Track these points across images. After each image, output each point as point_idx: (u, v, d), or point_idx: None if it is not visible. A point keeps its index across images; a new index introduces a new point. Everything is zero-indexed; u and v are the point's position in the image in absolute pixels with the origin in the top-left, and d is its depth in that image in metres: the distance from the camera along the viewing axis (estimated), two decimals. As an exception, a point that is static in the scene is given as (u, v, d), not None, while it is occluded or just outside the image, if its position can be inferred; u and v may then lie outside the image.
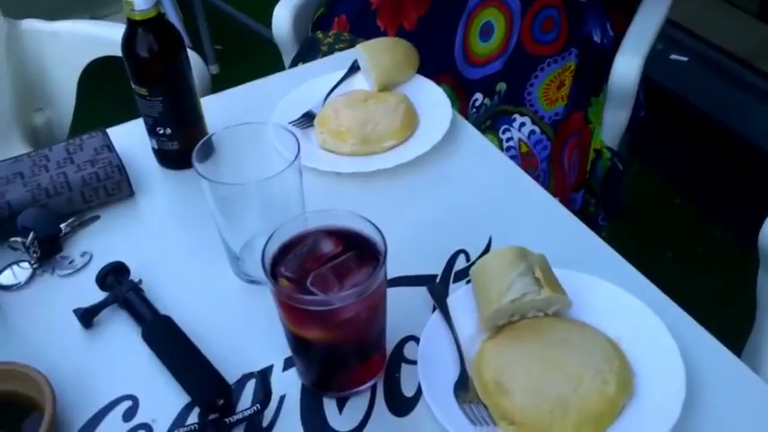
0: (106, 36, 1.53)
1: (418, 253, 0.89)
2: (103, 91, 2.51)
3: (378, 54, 1.11)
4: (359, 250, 0.72)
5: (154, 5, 0.92)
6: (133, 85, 0.97)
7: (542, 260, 0.79)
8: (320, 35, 1.50)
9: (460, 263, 0.89)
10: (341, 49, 1.44)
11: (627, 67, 1.34)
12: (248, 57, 2.78)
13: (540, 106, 1.38)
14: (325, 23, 1.56)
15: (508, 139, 1.34)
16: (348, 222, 0.74)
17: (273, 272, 0.71)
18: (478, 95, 1.40)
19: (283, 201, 0.84)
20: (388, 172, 1.01)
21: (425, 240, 0.92)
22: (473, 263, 0.88)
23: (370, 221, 0.72)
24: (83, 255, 0.92)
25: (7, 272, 0.90)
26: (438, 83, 1.15)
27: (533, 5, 1.40)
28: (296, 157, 0.81)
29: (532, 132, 1.35)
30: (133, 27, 0.93)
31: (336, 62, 1.22)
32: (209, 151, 0.84)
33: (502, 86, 1.40)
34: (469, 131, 1.09)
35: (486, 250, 0.90)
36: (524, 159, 1.31)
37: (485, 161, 1.05)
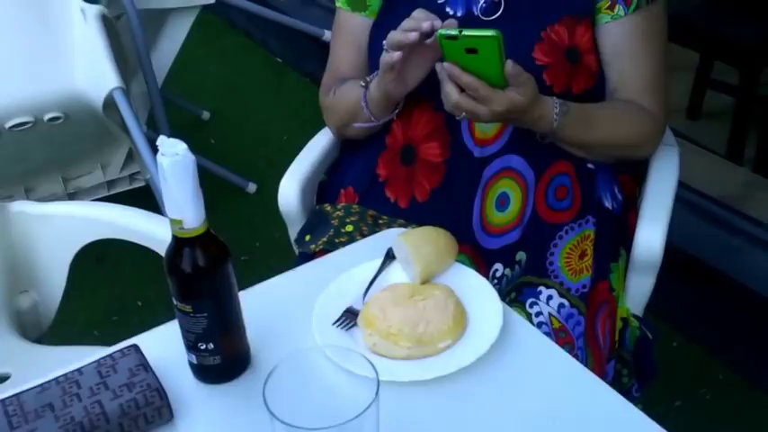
0: (101, 218, 1.47)
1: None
2: (90, 270, 2.47)
3: (421, 246, 1.07)
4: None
5: (204, 221, 0.86)
6: (175, 302, 0.90)
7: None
8: (329, 208, 1.46)
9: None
10: (352, 222, 1.40)
11: (651, 236, 1.32)
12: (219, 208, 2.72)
13: (564, 277, 1.35)
14: (330, 195, 1.52)
15: (537, 314, 1.30)
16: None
17: None
18: (498, 266, 1.36)
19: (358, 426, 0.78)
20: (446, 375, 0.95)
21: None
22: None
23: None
24: (129, 502, 0.82)
25: None
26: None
27: (546, 174, 1.39)
28: (376, 394, 0.76)
29: (562, 306, 1.31)
30: (180, 244, 0.86)
31: (365, 249, 1.18)
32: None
33: (522, 256, 1.37)
34: (521, 324, 1.04)
35: (575, 470, 0.84)
36: (558, 336, 1.27)
37: (546, 358, 1.00)
